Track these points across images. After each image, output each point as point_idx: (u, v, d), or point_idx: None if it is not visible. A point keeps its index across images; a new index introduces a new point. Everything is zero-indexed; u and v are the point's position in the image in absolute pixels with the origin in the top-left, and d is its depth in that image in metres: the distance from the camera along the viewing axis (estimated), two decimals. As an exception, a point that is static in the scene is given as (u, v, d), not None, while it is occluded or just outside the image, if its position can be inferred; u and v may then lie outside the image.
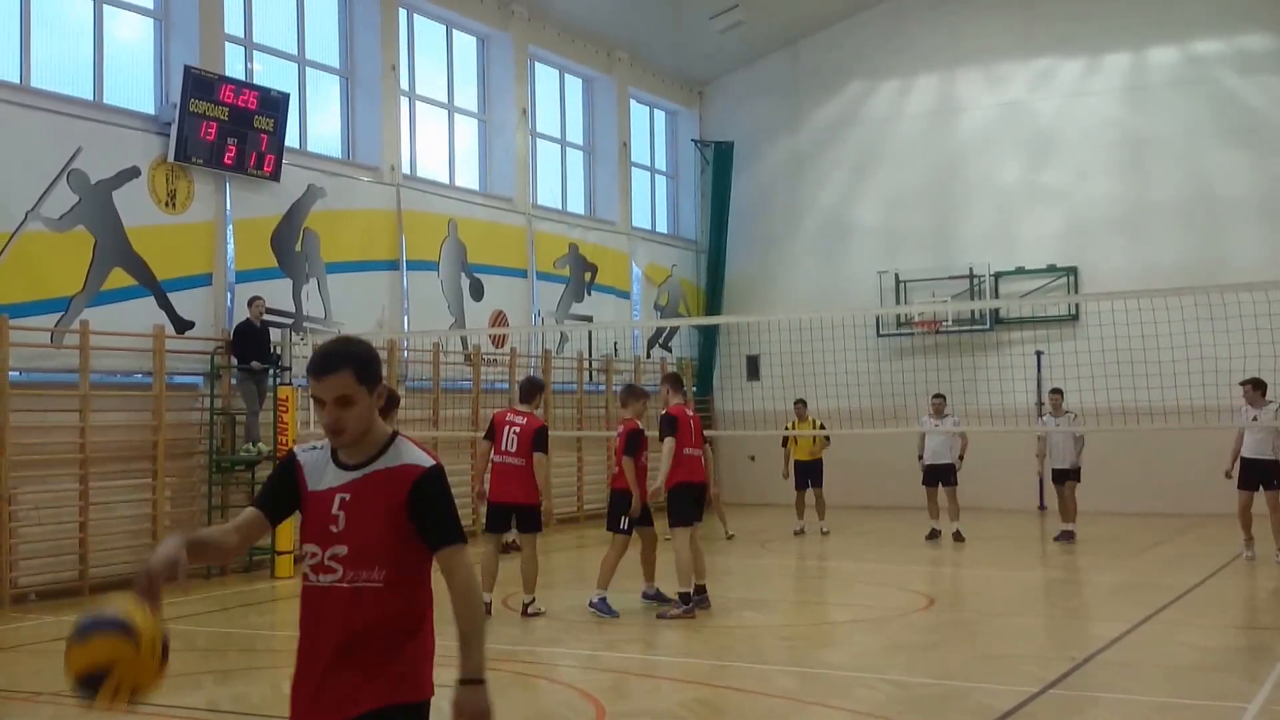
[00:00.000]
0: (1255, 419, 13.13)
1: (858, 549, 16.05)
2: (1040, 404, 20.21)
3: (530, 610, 10.67)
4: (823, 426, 17.08)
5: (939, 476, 16.19)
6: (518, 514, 10.76)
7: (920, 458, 16.38)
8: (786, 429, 16.95)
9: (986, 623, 10.78)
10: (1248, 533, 13.53)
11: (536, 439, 10.53)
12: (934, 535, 16.12)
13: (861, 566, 14.58)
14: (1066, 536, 15.52)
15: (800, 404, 17.14)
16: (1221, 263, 19.43)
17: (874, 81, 23.34)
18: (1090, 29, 21.53)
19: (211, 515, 13.82)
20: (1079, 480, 15.57)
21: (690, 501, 10.76)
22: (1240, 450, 13.38)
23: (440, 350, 17.55)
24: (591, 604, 10.65)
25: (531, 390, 10.92)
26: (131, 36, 14.43)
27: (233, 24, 15.21)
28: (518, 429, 10.57)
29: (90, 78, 13.70)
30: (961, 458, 16.12)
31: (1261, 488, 13.22)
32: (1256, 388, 13.24)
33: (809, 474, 17.23)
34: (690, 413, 11.18)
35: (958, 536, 15.80)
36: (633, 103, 23.16)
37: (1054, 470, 15.77)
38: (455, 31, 19.41)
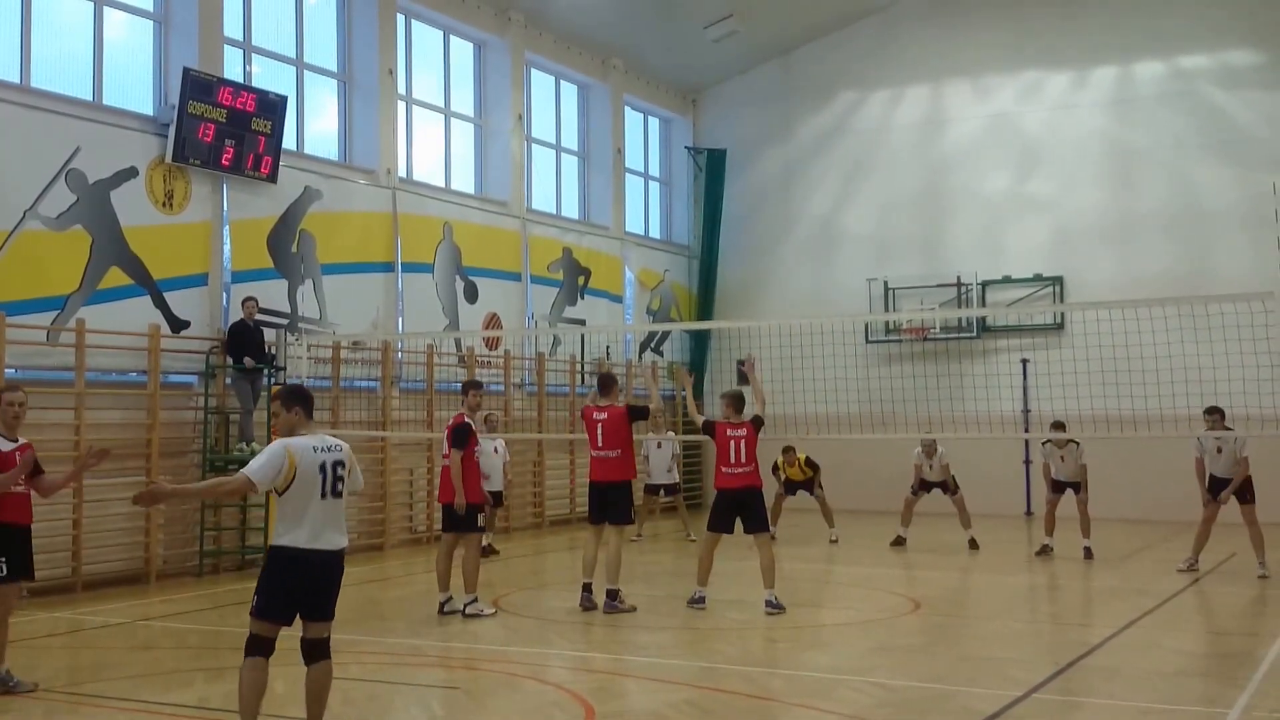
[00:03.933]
0: (1220, 450, 13.19)
1: (844, 552, 16.13)
2: (1027, 412, 20.39)
3: (469, 611, 10.55)
4: (810, 460, 16.87)
5: (932, 487, 16.19)
6: (447, 512, 10.69)
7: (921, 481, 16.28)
8: (775, 464, 16.81)
9: (971, 626, 10.90)
10: (1198, 550, 13.53)
11: (455, 435, 10.58)
12: (899, 542, 16.05)
13: (848, 570, 14.70)
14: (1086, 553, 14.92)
15: (789, 451, 16.79)
16: (1205, 274, 19.67)
17: (865, 92, 23.54)
18: (1077, 43, 21.78)
19: (205, 513, 13.93)
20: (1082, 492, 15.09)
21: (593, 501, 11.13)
22: (1207, 473, 13.39)
23: (434, 352, 17.65)
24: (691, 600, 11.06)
25: (464, 390, 11.10)
26: (131, 38, 14.51)
27: (232, 27, 15.31)
28: (447, 429, 10.69)
29: (89, 78, 13.80)
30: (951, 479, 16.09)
31: (1236, 500, 13.26)
32: (1223, 416, 13.21)
33: (799, 485, 17.04)
34: (596, 416, 11.07)
35: (972, 544, 15.77)
36: (627, 110, 23.31)
37: (1057, 481, 15.10)
38: (452, 37, 19.53)
